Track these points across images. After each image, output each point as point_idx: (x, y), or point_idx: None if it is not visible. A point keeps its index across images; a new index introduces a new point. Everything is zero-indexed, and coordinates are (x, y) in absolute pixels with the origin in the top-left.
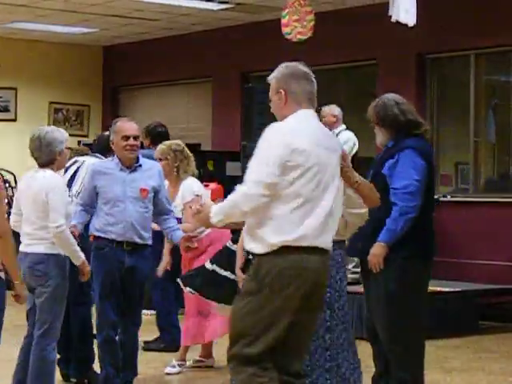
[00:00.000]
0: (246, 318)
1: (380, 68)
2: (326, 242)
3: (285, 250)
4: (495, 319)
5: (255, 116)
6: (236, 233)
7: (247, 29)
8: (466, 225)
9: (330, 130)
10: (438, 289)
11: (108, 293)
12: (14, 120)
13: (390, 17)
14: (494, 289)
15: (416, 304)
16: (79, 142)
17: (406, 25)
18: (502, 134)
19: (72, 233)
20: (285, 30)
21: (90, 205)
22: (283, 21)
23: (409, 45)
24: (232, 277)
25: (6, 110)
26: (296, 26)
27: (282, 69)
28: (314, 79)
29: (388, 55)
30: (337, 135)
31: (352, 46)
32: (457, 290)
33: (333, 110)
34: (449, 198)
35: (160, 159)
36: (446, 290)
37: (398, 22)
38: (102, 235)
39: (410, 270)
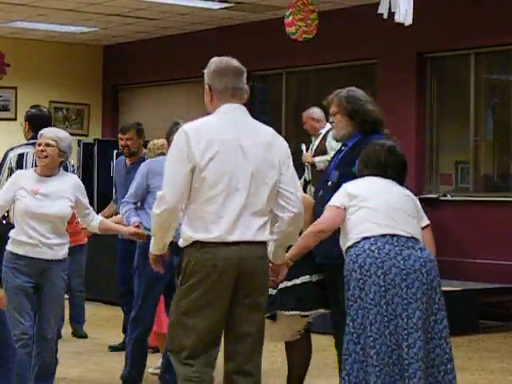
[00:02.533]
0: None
1: (380, 67)
2: (242, 235)
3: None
4: (495, 318)
5: (256, 115)
6: None
7: (247, 28)
8: (466, 224)
9: (315, 132)
10: None
11: (154, 293)
12: (14, 119)
13: (389, 16)
14: (494, 288)
15: None
16: (79, 142)
17: (402, 24)
18: (502, 133)
19: (136, 233)
20: (289, 29)
21: (137, 203)
22: (287, 20)
23: (409, 44)
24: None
25: (6, 109)
26: (300, 26)
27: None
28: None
29: (388, 54)
30: (324, 136)
31: (352, 46)
32: (457, 289)
33: (310, 113)
34: (449, 198)
35: None
36: (447, 289)
37: (397, 22)
38: None
39: None
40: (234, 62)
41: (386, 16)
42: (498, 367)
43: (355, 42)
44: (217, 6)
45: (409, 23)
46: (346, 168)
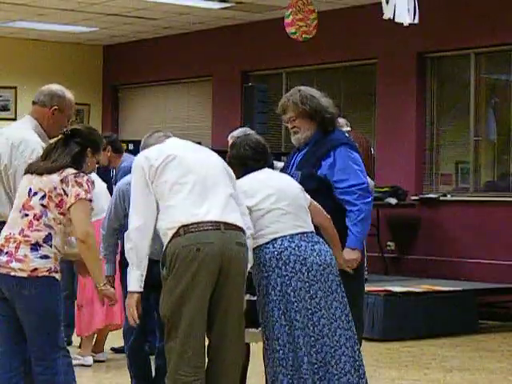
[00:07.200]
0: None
1: (380, 67)
2: (222, 216)
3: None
4: (495, 318)
5: (255, 115)
6: None
7: (247, 28)
8: (466, 224)
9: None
10: (438, 288)
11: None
12: (14, 119)
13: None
14: (494, 288)
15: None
16: None
17: (402, 24)
18: (503, 133)
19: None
20: (289, 29)
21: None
22: (287, 21)
23: (409, 44)
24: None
25: (5, 109)
26: (301, 26)
27: None
28: None
29: (388, 54)
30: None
31: (352, 46)
32: (457, 289)
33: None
34: (449, 198)
35: None
36: (446, 289)
37: (397, 21)
38: None
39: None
40: None
41: (387, 16)
42: (498, 367)
43: (355, 42)
44: (217, 5)
45: (408, 23)
46: (310, 169)
